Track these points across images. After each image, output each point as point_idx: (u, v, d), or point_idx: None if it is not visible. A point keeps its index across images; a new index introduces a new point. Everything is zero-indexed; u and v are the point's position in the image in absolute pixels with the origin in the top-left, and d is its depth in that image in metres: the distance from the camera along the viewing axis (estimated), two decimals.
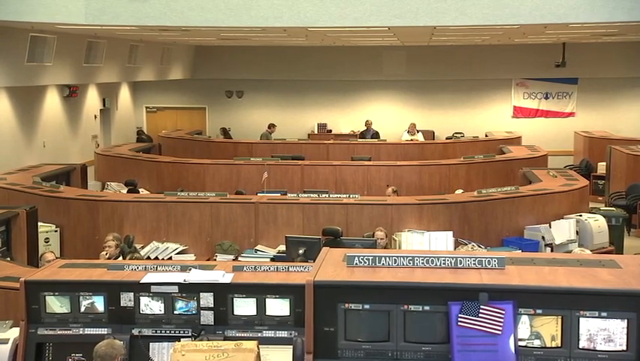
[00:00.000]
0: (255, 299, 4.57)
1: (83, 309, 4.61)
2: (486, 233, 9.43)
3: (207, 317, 4.54)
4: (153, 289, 4.55)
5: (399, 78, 20.19)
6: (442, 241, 8.74)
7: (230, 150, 15.65)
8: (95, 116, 17.63)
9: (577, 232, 9.90)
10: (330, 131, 20.60)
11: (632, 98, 19.82)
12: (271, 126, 18.97)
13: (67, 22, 9.85)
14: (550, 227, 9.62)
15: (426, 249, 8.47)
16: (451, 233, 8.82)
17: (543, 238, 9.45)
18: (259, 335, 4.51)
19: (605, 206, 13.17)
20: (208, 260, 8.45)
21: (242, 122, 20.81)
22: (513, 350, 3.35)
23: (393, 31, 12.50)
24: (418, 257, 3.67)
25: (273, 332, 4.55)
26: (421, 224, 9.21)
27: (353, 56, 19.55)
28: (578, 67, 18.91)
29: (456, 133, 19.38)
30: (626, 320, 3.29)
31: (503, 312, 3.35)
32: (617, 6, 8.90)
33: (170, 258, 8.90)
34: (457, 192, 11.58)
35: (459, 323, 3.37)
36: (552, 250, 9.38)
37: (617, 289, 3.34)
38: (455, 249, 8.63)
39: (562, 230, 9.71)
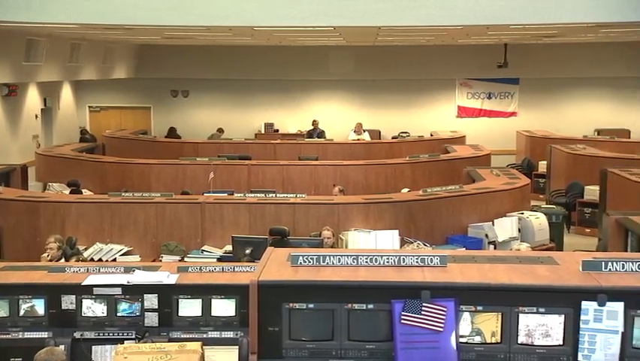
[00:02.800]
0: (200, 300, 4.55)
1: (22, 313, 4.52)
2: (431, 231, 9.53)
3: (151, 319, 4.50)
4: (96, 291, 4.49)
5: (345, 78, 20.29)
6: (388, 240, 8.81)
7: (176, 150, 15.51)
8: (36, 116, 17.26)
9: (519, 229, 10.09)
10: (277, 130, 20.58)
11: (572, 98, 20.31)
12: (219, 130, 18.97)
13: (7, 19, 9.62)
14: (493, 225, 9.77)
15: (372, 248, 8.53)
16: (396, 232, 8.90)
17: (486, 235, 9.59)
18: (204, 336, 4.49)
19: (546, 204, 13.45)
20: (153, 261, 8.36)
21: (188, 121, 20.63)
22: (454, 347, 3.41)
23: (339, 31, 12.57)
24: (362, 256, 3.70)
25: (218, 332, 4.53)
26: (367, 223, 9.27)
27: (300, 55, 19.57)
28: (519, 67, 19.29)
29: (402, 133, 19.57)
30: (563, 315, 3.37)
31: (445, 309, 3.40)
32: (558, 7, 9.10)
33: (115, 259, 8.77)
34: (402, 191, 11.69)
35: (402, 321, 3.41)
36: (495, 248, 9.55)
37: (555, 285, 3.42)
38: (401, 247, 8.70)
39: (504, 228, 9.88)
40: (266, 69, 19.98)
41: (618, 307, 3.31)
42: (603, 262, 3.55)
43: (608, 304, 3.32)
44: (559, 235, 11.03)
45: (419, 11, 9.12)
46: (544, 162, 15.86)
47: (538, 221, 10.29)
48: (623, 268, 3.52)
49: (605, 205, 11.58)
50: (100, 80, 19.14)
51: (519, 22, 9.47)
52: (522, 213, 10.29)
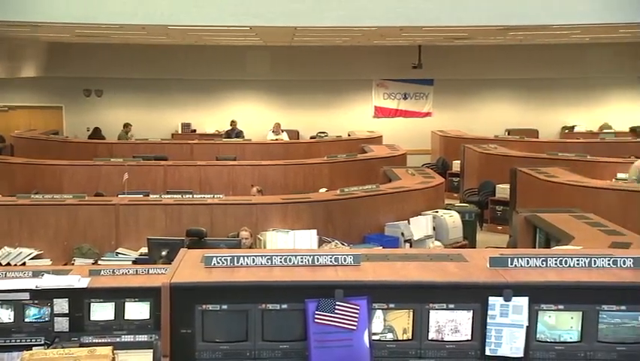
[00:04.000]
0: (113, 303, 4.46)
1: None
2: (349, 231, 9.61)
3: (62, 324, 4.38)
4: (1, 296, 4.34)
5: (263, 78, 20.27)
6: (306, 240, 8.84)
7: (90, 151, 15.14)
8: None
9: (434, 227, 10.30)
10: (195, 131, 20.38)
11: (484, 99, 20.87)
12: (127, 125, 18.60)
13: None
14: (409, 223, 9.93)
15: (290, 248, 8.54)
16: (314, 232, 8.93)
17: (402, 234, 9.73)
18: (118, 340, 4.40)
19: (460, 202, 13.76)
20: (65, 265, 8.14)
21: (102, 121, 20.16)
22: (367, 345, 3.45)
23: (255, 31, 12.55)
24: (276, 256, 3.70)
25: (132, 336, 4.45)
26: (285, 223, 9.28)
27: (217, 55, 19.42)
28: (433, 68, 19.69)
29: (320, 133, 19.69)
30: (471, 311, 3.46)
31: (358, 308, 3.44)
32: (465, 9, 9.36)
33: (24, 264, 8.49)
34: (320, 190, 11.75)
35: (315, 320, 3.43)
36: (411, 246, 9.71)
37: (463, 281, 3.51)
38: (319, 247, 8.75)
39: (420, 226, 10.06)
40: (183, 68, 19.75)
41: (523, 301, 3.43)
42: (509, 259, 3.66)
43: (514, 299, 3.43)
44: (472, 232, 11.31)
45: (334, 12, 9.21)
46: (458, 162, 16.24)
47: (452, 219, 10.52)
48: (527, 263, 3.64)
49: (515, 203, 11.93)
50: (7, 78, 18.47)
51: (431, 23, 9.67)
52: (436, 212, 10.50)
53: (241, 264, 3.68)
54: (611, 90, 20.82)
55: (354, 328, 3.44)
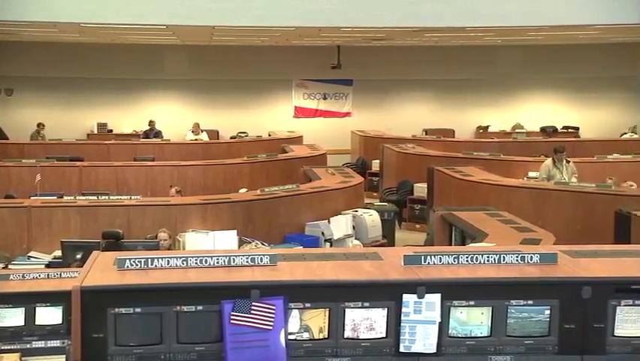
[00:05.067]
0: (23, 309, 4.31)
1: None
2: (269, 231, 9.61)
3: None
4: None
5: (182, 77, 20.03)
6: (226, 241, 8.77)
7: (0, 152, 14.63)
8: None
9: (353, 226, 10.39)
10: (111, 131, 19.95)
11: (402, 99, 21.19)
12: (39, 125, 18.10)
13: None
14: (329, 223, 9.99)
15: (210, 248, 8.47)
16: (234, 232, 8.88)
17: (323, 233, 9.79)
18: (28, 346, 4.26)
19: (379, 201, 13.93)
20: None
21: (12, 121, 19.45)
22: (284, 344, 3.46)
23: (172, 30, 12.39)
24: (192, 257, 3.67)
25: (44, 342, 4.31)
26: (205, 224, 9.20)
27: (134, 54, 19.08)
28: (352, 69, 19.88)
29: (240, 133, 19.59)
30: (386, 309, 3.51)
31: (274, 308, 3.44)
32: (382, 11, 9.50)
33: None
34: (241, 191, 11.69)
35: (231, 321, 3.42)
36: (331, 245, 9.77)
37: (377, 280, 3.56)
38: (239, 247, 8.71)
39: (340, 225, 10.13)
40: (99, 67, 19.30)
41: (436, 298, 3.50)
42: (422, 256, 3.74)
43: (427, 296, 3.50)
44: (391, 231, 11.47)
45: (252, 12, 9.19)
46: (378, 161, 16.43)
47: (372, 218, 10.64)
48: (440, 261, 3.72)
49: (432, 202, 12.17)
50: None
51: (348, 24, 9.78)
52: (356, 211, 10.60)
53: (155, 266, 3.63)
54: (523, 91, 21.48)
55: (271, 328, 3.45)
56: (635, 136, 19.03)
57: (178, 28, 11.76)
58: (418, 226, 13.65)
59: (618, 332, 3.46)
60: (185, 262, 3.66)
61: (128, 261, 3.62)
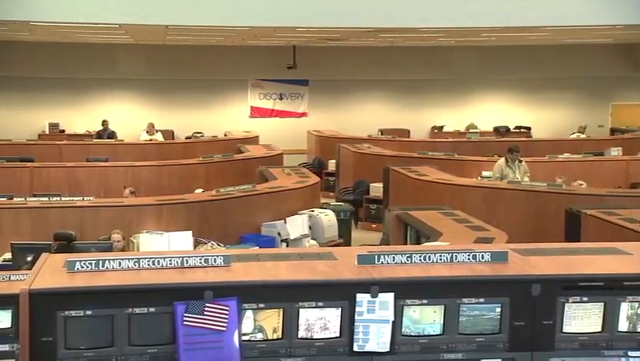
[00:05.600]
0: None
1: None
2: (225, 231, 9.58)
3: None
4: None
5: (136, 77, 19.81)
6: (181, 241, 8.73)
7: None
8: None
9: (310, 226, 10.42)
10: (63, 131, 19.65)
11: (358, 100, 21.28)
12: None
13: None
14: (285, 223, 10.00)
15: (165, 250, 8.40)
16: (190, 233, 8.84)
17: (279, 233, 9.80)
18: None
19: (336, 201, 13.98)
20: None
21: None
22: (237, 345, 3.44)
23: (125, 29, 12.24)
24: (144, 259, 3.62)
25: None
26: (160, 225, 9.14)
27: (86, 53, 18.82)
28: (308, 69, 19.90)
29: (195, 133, 19.45)
30: (340, 308, 3.52)
31: (227, 309, 3.42)
32: (337, 11, 9.53)
33: None
34: (196, 191, 11.62)
35: (184, 323, 3.39)
36: (288, 245, 9.77)
37: (331, 279, 3.56)
38: (195, 248, 8.66)
39: (296, 225, 10.15)
40: (50, 66, 18.99)
41: (389, 297, 3.52)
42: (376, 256, 3.75)
43: (380, 295, 3.51)
44: (347, 230, 11.52)
45: (207, 12, 9.13)
46: (334, 161, 16.49)
47: (328, 218, 10.69)
48: (393, 260, 3.74)
49: (388, 201, 12.25)
50: None
51: (303, 24, 9.79)
52: (312, 211, 10.63)
53: (106, 268, 3.58)
54: (477, 91, 21.77)
55: (224, 329, 3.43)
56: (582, 136, 19.44)
57: (131, 27, 11.63)
58: (374, 225, 13.73)
59: (566, 328, 3.52)
60: (137, 264, 3.62)
61: (78, 263, 3.56)
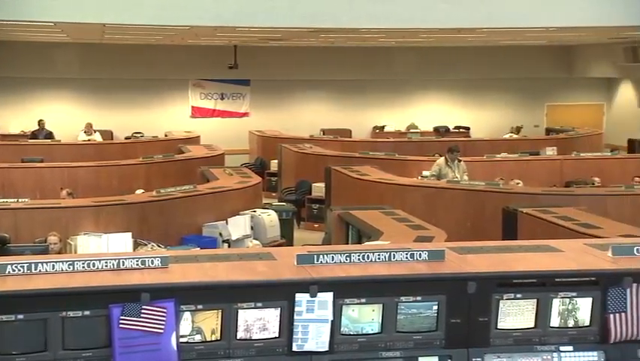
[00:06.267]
0: None
1: None
2: (166, 232, 9.49)
3: None
4: None
5: (74, 76, 19.41)
6: (120, 243, 8.59)
7: None
8: None
9: (252, 227, 10.38)
10: None
11: (299, 100, 21.29)
12: None
13: None
14: (227, 223, 9.96)
15: (104, 252, 8.27)
16: (129, 234, 8.70)
17: (221, 234, 9.75)
18: None
19: (278, 201, 13.96)
20: None
21: None
22: (175, 347, 3.41)
23: (61, 28, 11.99)
24: (78, 261, 3.56)
25: None
26: (98, 226, 8.99)
27: (21, 51, 18.34)
28: (249, 69, 19.80)
29: (135, 133, 19.17)
30: (279, 309, 3.52)
31: (165, 311, 3.39)
32: (278, 11, 9.52)
33: None
34: (137, 192, 11.47)
35: (120, 326, 3.35)
36: (229, 246, 9.73)
37: (270, 280, 3.56)
38: (134, 250, 8.54)
39: (238, 226, 10.11)
40: None
41: (328, 297, 3.53)
42: (315, 256, 3.76)
43: (319, 295, 3.52)
44: (289, 231, 11.52)
45: (144, 10, 9.01)
46: (276, 161, 16.46)
47: (270, 218, 10.67)
48: (332, 260, 3.76)
49: (330, 201, 12.29)
50: None
51: (244, 24, 9.75)
52: (254, 211, 10.60)
53: (39, 271, 3.50)
54: (417, 92, 22.00)
55: (162, 331, 3.39)
56: (515, 136, 19.88)
57: (67, 26, 11.39)
58: (316, 225, 13.75)
59: (501, 325, 3.59)
60: (71, 266, 3.55)
61: (9, 266, 3.48)
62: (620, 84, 21.60)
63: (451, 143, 13.76)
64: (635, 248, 3.79)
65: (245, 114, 20.99)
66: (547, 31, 13.72)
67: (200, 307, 3.47)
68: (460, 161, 12.52)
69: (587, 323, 3.60)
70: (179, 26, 10.56)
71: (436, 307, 3.58)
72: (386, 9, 9.84)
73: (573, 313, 3.61)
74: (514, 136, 19.84)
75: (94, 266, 3.59)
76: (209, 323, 3.49)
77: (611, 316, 3.55)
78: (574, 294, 3.58)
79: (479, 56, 20.50)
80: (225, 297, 3.48)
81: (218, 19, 9.46)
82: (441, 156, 13.20)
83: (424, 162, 14.16)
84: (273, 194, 15.95)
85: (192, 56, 19.53)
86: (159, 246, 8.75)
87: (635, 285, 3.54)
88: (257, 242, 10.12)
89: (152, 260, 3.68)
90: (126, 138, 18.77)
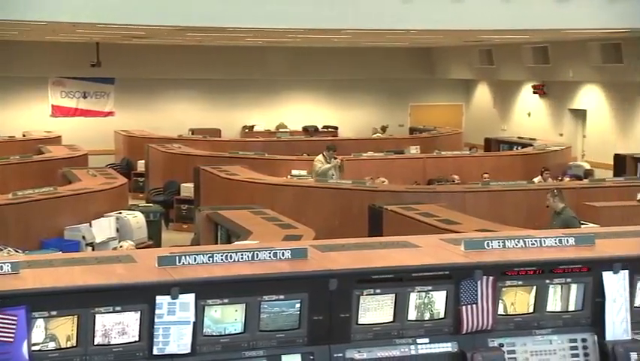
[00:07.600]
0: None
1: None
2: (25, 236, 9.15)
3: None
4: None
5: None
6: None
7: None
8: None
9: (117, 229, 10.15)
10: None
11: (167, 99, 20.94)
12: None
13: None
14: (90, 226, 9.71)
15: None
16: None
17: (84, 237, 9.52)
18: None
19: (146, 202, 13.70)
20: None
21: None
22: (26, 357, 3.25)
23: None
24: None
25: None
26: None
27: None
28: (114, 67, 19.29)
29: None
30: (139, 312, 3.42)
31: (15, 318, 3.23)
32: (140, 9, 9.30)
33: None
34: None
35: None
36: (94, 249, 9.48)
37: (129, 283, 3.46)
38: None
39: (102, 228, 9.90)
40: None
41: (190, 298, 3.47)
42: (177, 257, 3.69)
43: (181, 296, 3.46)
44: (157, 232, 11.36)
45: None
46: (143, 162, 16.12)
47: (136, 220, 10.50)
48: (195, 260, 3.70)
49: (199, 201, 12.17)
50: None
51: (102, 21, 9.48)
52: (120, 213, 10.39)
53: None
54: (287, 91, 22.18)
55: (12, 340, 3.23)
56: (381, 135, 20.47)
57: None
58: (185, 226, 13.61)
59: (361, 320, 3.66)
60: None
61: None
62: (477, 85, 22.68)
63: (319, 142, 14.01)
64: (486, 242, 3.96)
65: (109, 113, 20.41)
66: (408, 33, 14.14)
67: (54, 313, 3.32)
68: (336, 158, 12.92)
69: (442, 315, 3.73)
70: (35, 22, 10.10)
71: (298, 305, 3.60)
72: (251, 8, 9.84)
73: (429, 306, 3.72)
74: (380, 135, 20.39)
75: None
76: (64, 329, 3.35)
77: (464, 308, 3.69)
78: (429, 288, 3.70)
79: (347, 56, 20.91)
80: (81, 302, 3.36)
81: (70, 16, 9.12)
82: (310, 155, 13.45)
83: (293, 161, 14.30)
84: (141, 195, 15.64)
85: (52, 53, 18.78)
86: (16, 251, 8.36)
87: (485, 278, 3.70)
88: (131, 243, 9.88)
89: (1, 266, 3.50)
90: None
